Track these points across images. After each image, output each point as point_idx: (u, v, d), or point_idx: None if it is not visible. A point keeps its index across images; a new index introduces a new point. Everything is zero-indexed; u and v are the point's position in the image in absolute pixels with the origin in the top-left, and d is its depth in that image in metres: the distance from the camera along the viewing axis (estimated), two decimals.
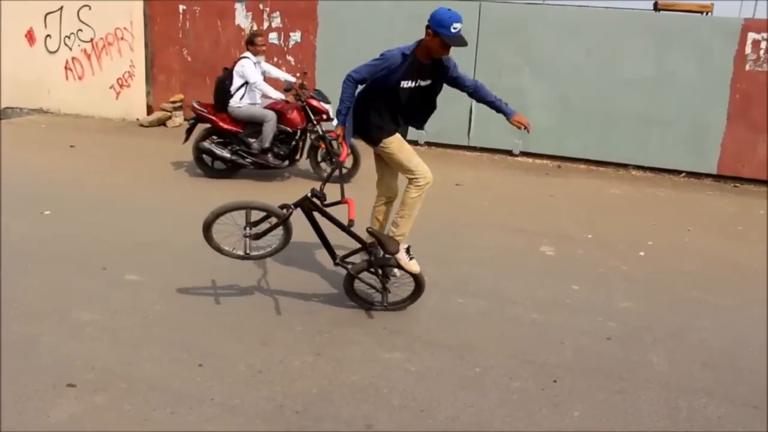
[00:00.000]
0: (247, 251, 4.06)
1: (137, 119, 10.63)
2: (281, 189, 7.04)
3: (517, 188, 7.78)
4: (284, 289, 4.50)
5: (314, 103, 7.16)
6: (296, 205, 3.95)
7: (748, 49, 8.23)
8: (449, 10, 3.89)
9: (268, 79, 7.26)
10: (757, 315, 4.51)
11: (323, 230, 4.08)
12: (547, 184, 7.43)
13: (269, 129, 7.00)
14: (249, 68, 7.01)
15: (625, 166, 8.94)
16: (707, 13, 9.26)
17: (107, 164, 7.96)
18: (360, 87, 4.13)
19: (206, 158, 7.31)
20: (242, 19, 10.04)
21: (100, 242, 5.24)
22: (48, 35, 10.87)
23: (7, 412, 3.03)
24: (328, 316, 4.14)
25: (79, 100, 10.94)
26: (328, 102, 7.25)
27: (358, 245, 4.06)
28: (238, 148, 7.17)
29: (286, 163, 7.33)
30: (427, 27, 3.93)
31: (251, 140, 7.14)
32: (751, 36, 8.17)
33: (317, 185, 4.04)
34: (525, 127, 4.22)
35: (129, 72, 10.70)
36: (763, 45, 8.17)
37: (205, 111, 7.15)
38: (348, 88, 4.08)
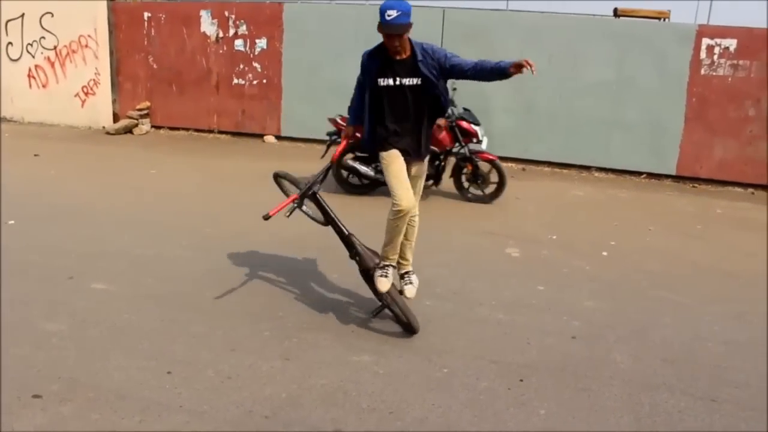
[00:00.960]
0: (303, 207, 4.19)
1: (103, 127, 10.52)
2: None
3: None
4: (252, 295, 4.51)
5: (464, 125, 7.02)
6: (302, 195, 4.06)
7: (703, 54, 8.49)
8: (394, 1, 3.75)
9: None
10: (716, 311, 4.66)
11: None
12: (513, 186, 7.54)
13: None
14: None
15: (588, 168, 9.15)
16: (664, 19, 9.55)
17: (72, 173, 7.86)
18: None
19: (343, 173, 7.14)
20: (208, 26, 10.01)
21: (65, 251, 5.17)
22: (9, 42, 10.72)
23: None
24: (296, 321, 4.16)
25: (44, 109, 10.79)
26: (478, 123, 7.12)
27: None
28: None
29: (431, 182, 7.09)
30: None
31: None
32: (705, 41, 8.45)
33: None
34: (530, 67, 3.71)
35: (94, 80, 10.59)
36: (716, 50, 8.44)
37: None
38: (355, 91, 4.17)
